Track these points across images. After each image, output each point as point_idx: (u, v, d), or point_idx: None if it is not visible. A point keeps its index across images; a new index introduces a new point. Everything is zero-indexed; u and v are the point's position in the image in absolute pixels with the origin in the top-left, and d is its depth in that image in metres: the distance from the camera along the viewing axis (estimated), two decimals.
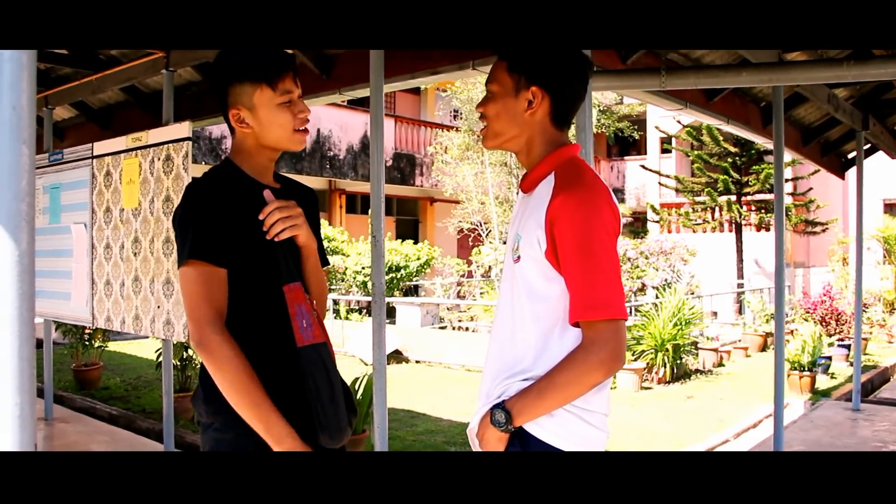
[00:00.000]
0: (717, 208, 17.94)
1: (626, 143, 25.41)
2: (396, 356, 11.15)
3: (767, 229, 18.04)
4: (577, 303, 1.72)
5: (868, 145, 7.99)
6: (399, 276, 14.75)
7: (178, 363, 7.30)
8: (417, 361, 11.31)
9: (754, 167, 16.92)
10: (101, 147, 5.74)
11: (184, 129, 4.84)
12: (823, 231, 17.31)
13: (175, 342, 6.08)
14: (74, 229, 6.01)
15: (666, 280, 13.34)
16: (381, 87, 3.63)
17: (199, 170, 5.41)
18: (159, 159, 5.01)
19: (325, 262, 2.22)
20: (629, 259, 13.93)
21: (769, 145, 6.98)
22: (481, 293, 16.05)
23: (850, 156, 8.63)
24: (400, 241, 16.18)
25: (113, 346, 10.34)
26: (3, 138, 1.26)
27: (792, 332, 12.95)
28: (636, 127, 22.45)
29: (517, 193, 2.07)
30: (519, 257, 1.82)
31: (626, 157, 25.94)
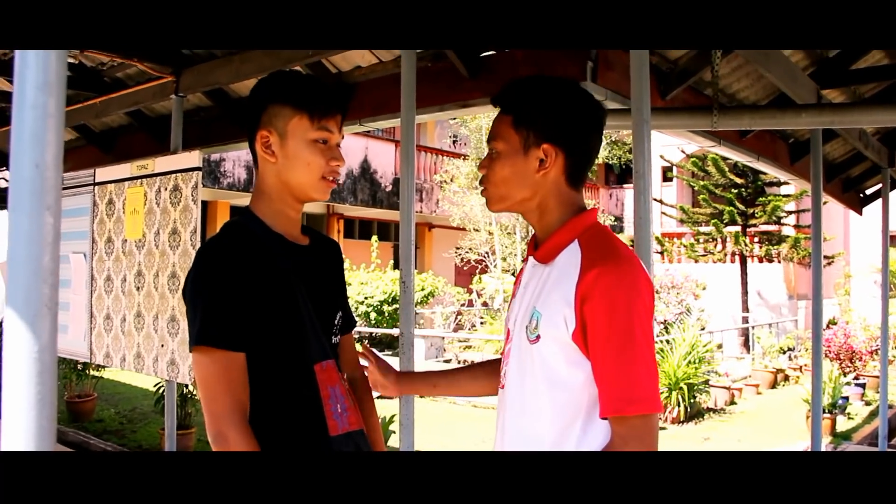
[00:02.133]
0: (722, 240, 17.74)
1: (624, 170, 25.24)
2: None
3: (771, 261, 17.86)
4: (612, 396, 1.47)
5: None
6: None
7: (178, 399, 6.99)
8: (422, 396, 10.99)
9: (760, 199, 16.76)
10: (103, 174, 5.48)
11: (193, 158, 4.58)
12: (829, 264, 17.13)
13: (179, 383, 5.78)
14: (73, 259, 5.73)
15: (678, 315, 13.10)
16: (413, 119, 3.37)
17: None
18: (166, 189, 4.74)
19: (352, 323, 1.98)
20: None
21: (790, 181, 6.81)
22: (482, 322, 15.78)
23: (868, 192, 8.54)
24: (399, 269, 15.86)
25: (107, 373, 10.02)
26: (23, 203, 1.01)
27: (801, 367, 12.76)
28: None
29: (523, 260, 1.78)
30: (538, 337, 1.55)
31: (624, 185, 25.77)
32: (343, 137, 1.78)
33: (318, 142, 1.69)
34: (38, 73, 1.01)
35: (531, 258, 1.70)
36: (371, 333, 12.94)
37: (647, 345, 1.48)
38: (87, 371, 8.57)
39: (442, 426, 9.00)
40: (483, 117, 15.18)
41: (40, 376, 1.02)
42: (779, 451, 6.67)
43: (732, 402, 10.59)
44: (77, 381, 8.64)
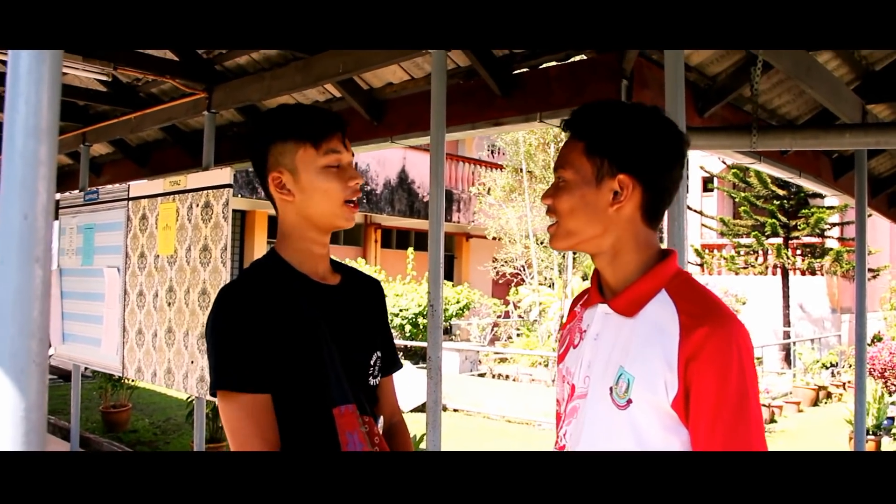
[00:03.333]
0: (764, 252, 17.44)
1: None
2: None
3: (814, 274, 17.51)
4: None
5: None
6: None
7: (209, 412, 6.99)
8: (455, 410, 10.90)
9: (803, 210, 16.45)
10: (137, 189, 5.50)
11: (224, 175, 4.57)
12: (874, 277, 16.74)
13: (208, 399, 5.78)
14: (107, 273, 5.77)
15: None
16: (443, 138, 3.32)
17: (236, 203, 5.14)
18: (198, 205, 4.74)
19: (397, 364, 1.90)
20: None
21: (835, 196, 6.63)
22: (518, 334, 15.66)
23: None
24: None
25: (142, 383, 10.09)
26: (10, 255, 0.96)
27: (844, 384, 12.46)
28: None
29: (580, 304, 1.64)
30: (630, 401, 1.38)
31: None
32: (353, 155, 1.72)
33: (330, 167, 1.63)
34: (29, 118, 0.96)
35: (602, 306, 1.52)
36: (406, 346, 12.89)
37: (759, 417, 1.33)
38: (122, 381, 8.63)
39: (475, 442, 8.90)
40: (519, 132, 15.11)
41: (27, 436, 0.97)
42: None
43: (772, 421, 10.35)
44: (112, 392, 8.71)
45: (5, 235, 0.95)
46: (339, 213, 1.65)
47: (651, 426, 1.36)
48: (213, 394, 1.56)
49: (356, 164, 16.36)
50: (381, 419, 1.79)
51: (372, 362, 1.76)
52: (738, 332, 1.33)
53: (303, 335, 1.59)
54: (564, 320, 1.70)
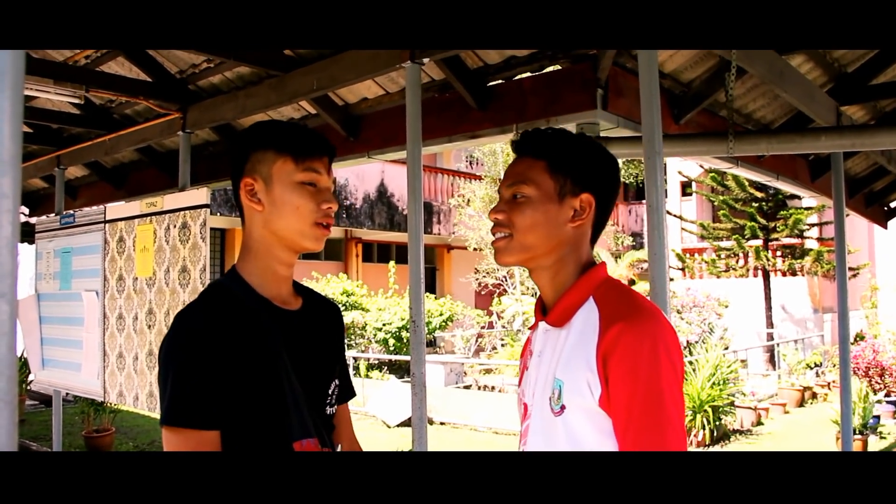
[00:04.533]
0: (744, 254, 17.53)
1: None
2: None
3: (794, 275, 17.62)
4: None
5: None
6: None
7: None
8: (442, 423, 10.84)
9: (781, 212, 16.56)
10: (114, 211, 5.45)
11: (201, 195, 4.53)
12: (854, 276, 16.87)
13: None
14: (86, 297, 5.70)
15: (701, 335, 12.90)
16: (419, 152, 3.30)
17: (215, 221, 5.10)
18: (175, 227, 4.69)
19: (351, 393, 1.84)
20: None
21: (812, 197, 6.68)
22: (503, 344, 15.65)
23: (894, 205, 8.42)
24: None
25: (125, 406, 9.99)
26: None
27: (829, 384, 12.52)
28: None
29: (530, 328, 1.64)
30: (563, 407, 1.40)
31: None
32: (334, 181, 1.69)
33: (306, 184, 1.57)
34: None
35: (542, 324, 1.55)
36: (390, 360, 12.84)
37: (679, 411, 1.33)
38: (104, 405, 8.53)
39: None
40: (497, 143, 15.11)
41: None
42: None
43: (759, 423, 10.38)
44: (95, 416, 8.62)
45: None
46: (307, 232, 1.59)
47: (584, 429, 1.39)
48: (161, 425, 1.48)
49: (335, 178, 16.32)
50: (339, 447, 1.74)
51: (330, 391, 1.70)
52: (654, 327, 1.35)
53: (262, 366, 1.52)
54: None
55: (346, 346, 1.91)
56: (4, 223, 0.94)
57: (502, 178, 1.60)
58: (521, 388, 1.63)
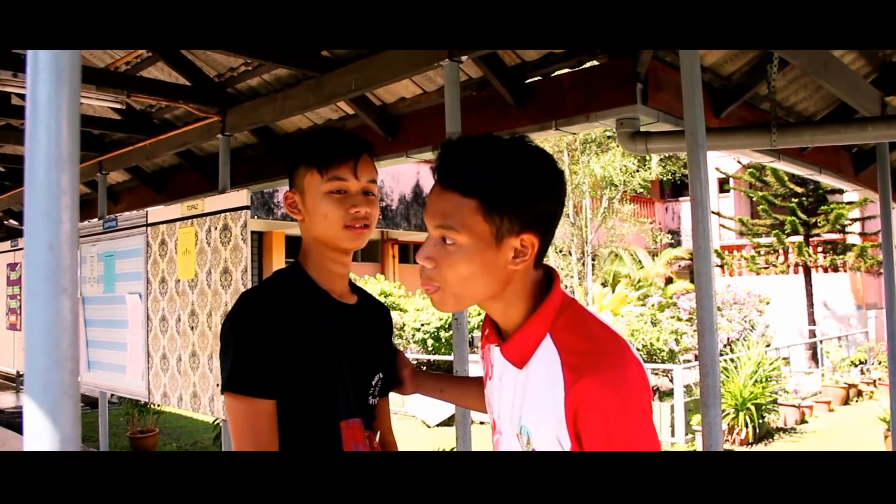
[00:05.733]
0: (784, 251, 17.29)
1: (678, 183, 24.80)
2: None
3: (836, 271, 17.35)
4: None
5: None
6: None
7: None
8: (482, 423, 10.82)
9: (822, 207, 16.31)
10: (155, 215, 5.52)
11: (241, 197, 4.57)
12: None
13: None
14: (129, 300, 5.78)
15: (742, 332, 12.74)
16: None
17: (253, 224, 5.19)
18: (216, 229, 4.74)
19: (392, 388, 1.92)
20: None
21: (855, 191, 6.56)
22: None
23: None
24: None
25: (168, 407, 10.13)
26: (39, 288, 0.94)
27: (875, 381, 12.30)
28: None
29: (483, 336, 1.54)
30: (534, 450, 1.34)
31: (680, 198, 25.33)
32: (371, 180, 1.71)
33: (333, 192, 1.67)
34: (50, 147, 0.95)
35: (497, 350, 1.43)
36: (429, 360, 12.86)
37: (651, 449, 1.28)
38: (148, 407, 8.65)
39: None
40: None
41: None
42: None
43: (803, 421, 10.23)
44: (139, 417, 8.74)
45: (32, 267, 0.94)
46: (340, 235, 1.68)
47: None
48: (222, 392, 1.61)
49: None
50: (378, 435, 1.84)
51: (374, 382, 1.80)
52: (619, 375, 1.25)
53: (316, 347, 1.63)
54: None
55: (391, 342, 1.97)
56: (64, 219, 0.95)
57: (426, 206, 1.37)
58: (487, 393, 1.55)
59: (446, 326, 12.84)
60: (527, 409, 1.34)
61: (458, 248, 1.29)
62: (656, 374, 10.68)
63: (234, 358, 1.59)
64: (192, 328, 5.01)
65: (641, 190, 19.48)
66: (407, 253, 19.63)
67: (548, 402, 1.28)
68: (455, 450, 3.35)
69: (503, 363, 1.41)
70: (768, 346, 12.33)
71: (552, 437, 1.28)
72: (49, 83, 0.95)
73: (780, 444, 9.02)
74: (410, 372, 1.90)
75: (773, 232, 16.49)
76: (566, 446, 1.27)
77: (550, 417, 1.28)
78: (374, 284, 14.49)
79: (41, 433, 0.95)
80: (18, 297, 7.33)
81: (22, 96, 5.22)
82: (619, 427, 1.23)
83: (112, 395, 8.03)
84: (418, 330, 13.27)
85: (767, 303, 14.32)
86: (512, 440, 1.40)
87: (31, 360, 0.95)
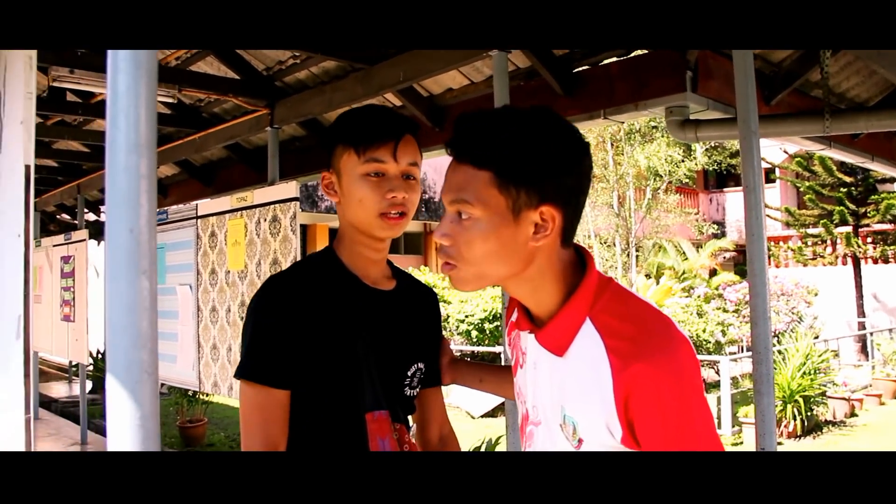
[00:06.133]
0: (833, 241, 16.99)
1: (723, 174, 24.44)
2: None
3: (887, 262, 17.00)
4: None
5: None
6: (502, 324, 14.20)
7: None
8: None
9: (872, 197, 15.99)
10: (205, 207, 5.60)
11: (290, 188, 4.62)
12: None
13: None
14: (180, 291, 5.88)
15: (789, 324, 12.54)
16: None
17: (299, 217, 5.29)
18: (265, 220, 4.81)
19: (437, 378, 1.82)
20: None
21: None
22: None
23: None
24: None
25: (217, 397, 10.28)
26: (119, 269, 0.97)
27: None
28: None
29: (511, 323, 1.45)
30: (581, 440, 1.26)
31: (725, 189, 24.99)
32: (413, 163, 1.61)
33: (370, 175, 1.57)
34: (130, 134, 0.98)
35: (531, 337, 1.35)
36: (473, 351, 12.88)
37: (711, 436, 1.22)
38: (197, 397, 8.80)
39: None
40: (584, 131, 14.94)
41: (144, 443, 1.00)
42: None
43: (853, 415, 10.06)
44: (188, 407, 8.89)
45: (113, 250, 0.97)
46: (374, 223, 1.58)
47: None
48: (235, 376, 1.56)
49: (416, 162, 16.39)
50: (414, 427, 1.76)
51: (410, 373, 1.70)
52: (672, 358, 1.19)
53: (342, 337, 1.57)
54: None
55: (440, 329, 1.91)
56: (143, 203, 0.99)
57: (443, 183, 1.31)
58: (517, 382, 1.47)
59: (490, 318, 12.84)
60: (571, 398, 1.27)
61: (473, 222, 1.23)
62: (702, 365, 10.55)
63: (249, 344, 1.54)
64: (241, 318, 5.09)
65: (686, 180, 19.27)
66: None
67: (594, 390, 1.22)
68: (502, 439, 3.35)
69: (539, 351, 1.34)
70: (816, 337, 12.11)
71: (601, 425, 1.22)
72: (128, 73, 0.98)
73: (829, 438, 8.89)
74: (449, 361, 1.83)
75: (821, 222, 16.23)
76: (616, 435, 1.21)
77: (598, 405, 1.21)
78: (417, 276, 14.52)
79: (123, 410, 0.98)
80: (72, 290, 7.49)
81: (77, 92, 5.33)
82: (674, 411, 1.18)
83: (162, 384, 8.19)
84: (462, 321, 13.29)
85: (815, 294, 14.08)
86: (554, 430, 1.33)
87: (112, 341, 0.98)
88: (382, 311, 1.66)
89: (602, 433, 1.23)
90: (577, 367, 1.25)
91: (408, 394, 1.70)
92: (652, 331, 1.22)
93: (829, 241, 17.16)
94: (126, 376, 0.98)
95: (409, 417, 1.76)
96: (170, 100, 4.79)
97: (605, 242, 15.86)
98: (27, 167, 1.64)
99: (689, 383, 1.19)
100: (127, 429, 0.97)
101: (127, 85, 0.99)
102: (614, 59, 3.69)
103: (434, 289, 2.06)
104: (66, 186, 8.52)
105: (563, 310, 1.27)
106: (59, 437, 8.34)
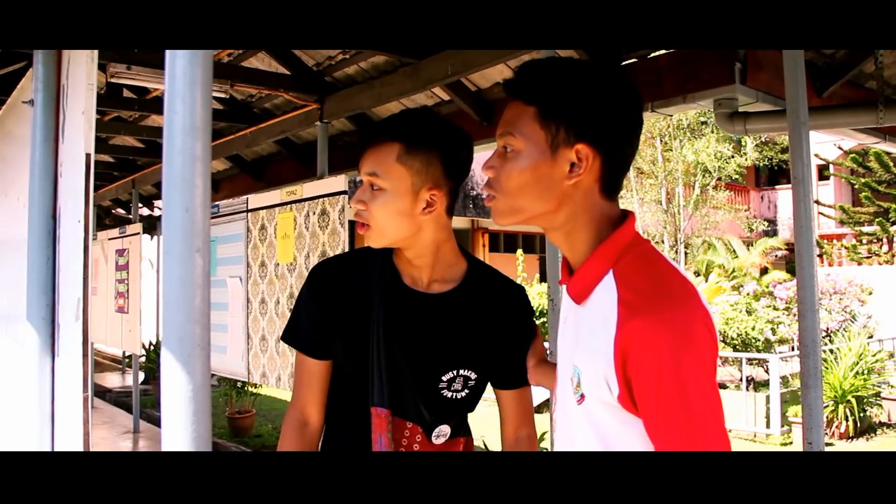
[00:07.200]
0: (889, 239, 16.60)
1: (774, 170, 23.98)
2: (549, 405, 10.67)
3: None
4: None
5: None
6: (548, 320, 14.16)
7: None
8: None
9: None
10: (255, 200, 5.70)
11: (339, 182, 4.68)
12: None
13: None
14: (230, 283, 5.99)
15: (842, 323, 12.29)
16: None
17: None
18: (314, 213, 4.87)
19: (520, 381, 1.78)
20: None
21: None
22: None
23: None
24: (546, 283, 15.70)
25: (265, 389, 10.44)
26: (174, 247, 1.02)
27: None
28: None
29: (560, 281, 1.42)
30: (583, 396, 1.26)
31: (776, 186, 24.55)
32: (372, 172, 1.60)
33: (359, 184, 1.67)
34: (186, 117, 1.02)
35: (565, 288, 1.37)
36: None
37: (712, 413, 1.16)
38: (245, 388, 8.94)
39: None
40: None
41: (196, 415, 1.04)
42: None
43: None
44: (237, 398, 9.03)
45: (169, 228, 1.01)
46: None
47: (606, 420, 1.25)
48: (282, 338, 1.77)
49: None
50: (441, 428, 1.71)
51: (447, 378, 1.68)
52: (675, 320, 1.16)
53: (358, 329, 1.65)
54: None
55: (526, 331, 1.77)
56: (199, 184, 1.02)
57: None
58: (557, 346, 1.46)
59: (536, 314, 12.80)
60: (581, 348, 1.27)
61: (514, 154, 1.28)
62: (751, 363, 10.41)
63: (292, 313, 1.76)
64: (290, 310, 5.16)
65: (736, 177, 19.00)
66: (497, 242, 19.64)
67: (600, 340, 1.21)
68: (546, 435, 3.35)
69: (568, 303, 1.36)
70: (870, 337, 11.85)
71: (601, 379, 1.21)
72: (185, 57, 1.02)
73: (882, 439, 8.70)
74: (535, 364, 1.76)
75: (877, 220, 15.86)
76: (614, 391, 1.19)
77: (601, 357, 1.20)
78: (505, 279, 14.51)
79: (177, 382, 1.02)
80: (126, 282, 7.66)
81: (133, 88, 5.46)
82: (670, 376, 1.14)
83: (212, 375, 8.32)
84: None
85: (870, 293, 13.76)
86: (566, 385, 1.32)
87: (167, 315, 1.02)
88: (420, 313, 1.67)
89: (602, 389, 1.21)
90: (590, 316, 1.27)
91: (449, 396, 1.69)
92: (667, 290, 1.21)
93: (884, 239, 16.76)
94: (179, 349, 1.02)
95: (446, 420, 1.72)
96: (222, 95, 4.88)
97: (652, 239, 15.70)
98: (87, 156, 1.70)
99: (695, 351, 1.15)
100: (179, 400, 1.01)
101: (183, 69, 1.03)
102: (662, 51, 3.67)
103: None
104: (121, 181, 8.72)
105: (590, 257, 1.29)
106: (113, 426, 8.57)
